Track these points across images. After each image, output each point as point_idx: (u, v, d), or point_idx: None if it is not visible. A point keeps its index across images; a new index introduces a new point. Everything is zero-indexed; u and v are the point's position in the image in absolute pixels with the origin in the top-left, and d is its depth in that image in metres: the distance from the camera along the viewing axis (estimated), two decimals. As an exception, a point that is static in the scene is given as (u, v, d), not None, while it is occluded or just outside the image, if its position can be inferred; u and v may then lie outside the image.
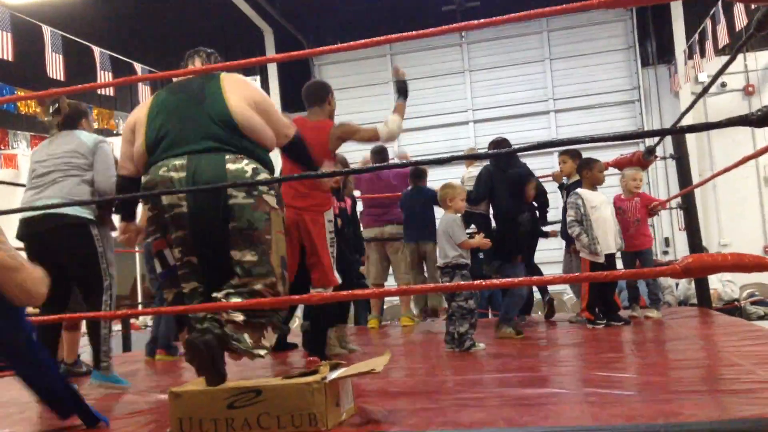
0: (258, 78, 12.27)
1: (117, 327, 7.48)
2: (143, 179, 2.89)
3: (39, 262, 3.60)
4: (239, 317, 2.61)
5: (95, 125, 9.47)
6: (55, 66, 7.54)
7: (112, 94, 10.10)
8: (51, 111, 3.89)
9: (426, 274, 6.19)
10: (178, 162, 2.78)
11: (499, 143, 5.55)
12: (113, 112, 10.08)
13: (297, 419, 2.15)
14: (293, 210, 3.88)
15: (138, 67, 9.15)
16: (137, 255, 12.52)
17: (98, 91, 10.29)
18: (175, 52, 13.79)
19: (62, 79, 7.59)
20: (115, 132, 10.29)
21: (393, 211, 6.37)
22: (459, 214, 4.37)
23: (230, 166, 2.76)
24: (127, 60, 9.03)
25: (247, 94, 2.94)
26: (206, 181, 2.73)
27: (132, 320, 8.41)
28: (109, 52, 8.53)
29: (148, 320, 10.39)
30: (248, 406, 2.18)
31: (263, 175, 2.82)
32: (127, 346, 6.92)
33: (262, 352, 2.65)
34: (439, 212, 4.76)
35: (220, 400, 2.20)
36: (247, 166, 2.79)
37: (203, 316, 2.65)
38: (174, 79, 3.16)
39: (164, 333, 5.25)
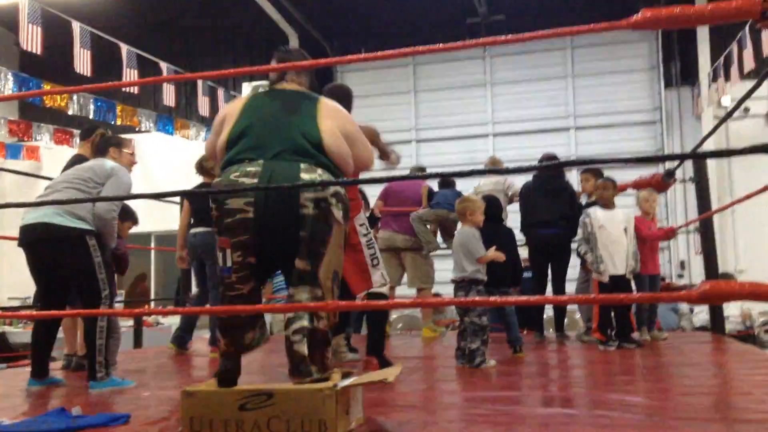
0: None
1: (129, 323, 7.56)
2: (216, 179, 2.93)
3: (38, 271, 3.69)
4: (304, 350, 2.69)
5: (118, 121, 9.59)
6: (82, 61, 7.63)
7: (136, 91, 10.21)
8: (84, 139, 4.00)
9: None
10: (252, 168, 2.79)
11: (550, 158, 5.72)
12: (137, 109, 10.18)
13: (307, 424, 2.16)
14: None
15: (163, 66, 9.24)
16: (152, 252, 12.63)
17: (123, 89, 10.43)
18: (201, 53, 13.89)
19: (89, 74, 7.68)
20: (137, 129, 10.39)
21: (405, 224, 6.42)
22: (476, 228, 4.36)
23: (304, 175, 2.78)
24: (153, 59, 9.12)
25: (340, 123, 2.99)
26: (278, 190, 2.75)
27: (144, 318, 8.47)
28: (136, 50, 8.62)
29: (160, 318, 10.48)
30: (259, 408, 2.20)
31: (334, 188, 2.84)
32: (138, 343, 6.97)
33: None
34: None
35: (232, 401, 2.22)
36: (320, 177, 2.81)
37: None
38: (277, 85, 3.18)
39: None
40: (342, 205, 2.88)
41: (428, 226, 6.42)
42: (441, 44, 2.74)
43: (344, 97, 4.24)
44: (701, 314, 8.86)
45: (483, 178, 6.74)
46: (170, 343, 5.72)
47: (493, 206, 4.78)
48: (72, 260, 3.59)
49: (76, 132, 10.67)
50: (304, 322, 2.71)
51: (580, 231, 5.22)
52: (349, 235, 3.87)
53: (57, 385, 3.78)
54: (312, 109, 2.97)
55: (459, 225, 4.55)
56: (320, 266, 2.78)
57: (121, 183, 3.75)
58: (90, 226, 3.62)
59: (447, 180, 6.62)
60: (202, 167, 5.41)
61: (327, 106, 3.03)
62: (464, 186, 6.72)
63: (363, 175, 3.60)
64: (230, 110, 3.04)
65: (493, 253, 4.27)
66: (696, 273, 10.40)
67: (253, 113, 2.96)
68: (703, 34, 10.96)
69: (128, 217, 4.71)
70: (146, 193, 3.28)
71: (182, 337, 5.62)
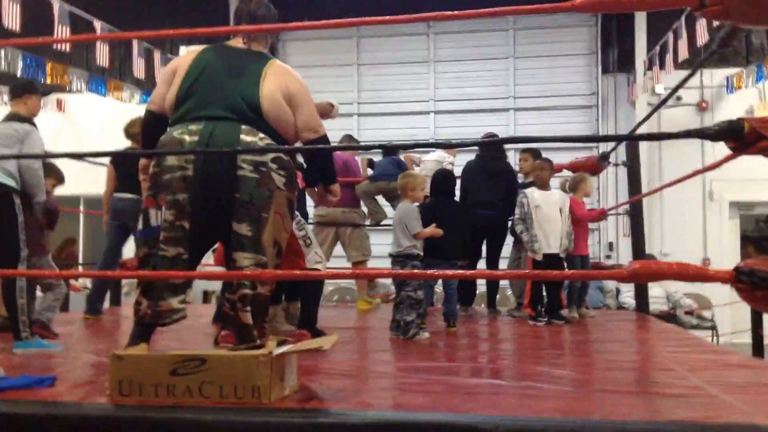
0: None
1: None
2: (160, 138, 2.92)
3: None
4: (249, 318, 2.77)
5: (48, 80, 9.20)
6: (11, 15, 7.27)
7: (68, 49, 9.80)
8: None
9: None
10: (194, 127, 2.81)
11: (490, 137, 5.78)
12: (68, 68, 9.77)
13: (240, 390, 2.14)
14: None
15: (97, 24, 8.88)
16: (81, 216, 12.25)
17: (53, 46, 9.99)
18: (139, 14, 13.39)
19: (18, 30, 7.34)
20: (68, 88, 10.00)
21: (343, 197, 6.39)
22: (416, 204, 4.39)
23: (244, 137, 2.80)
24: (86, 16, 8.76)
25: (283, 84, 2.95)
26: (218, 148, 2.76)
27: (71, 281, 8.23)
28: (69, 6, 8.26)
29: (88, 282, 10.20)
30: (192, 374, 2.16)
31: (274, 154, 2.84)
32: (64, 307, 6.77)
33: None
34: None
35: (164, 366, 2.18)
36: (261, 141, 2.83)
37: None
38: (230, 41, 3.14)
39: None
40: (284, 172, 2.87)
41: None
42: (384, 17, 2.73)
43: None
44: (627, 294, 9.18)
45: (425, 156, 6.77)
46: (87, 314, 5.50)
47: (444, 181, 4.83)
48: None
49: (3, 88, 10.22)
50: (246, 289, 2.73)
51: (517, 210, 5.32)
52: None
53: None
54: (258, 71, 2.94)
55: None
56: (263, 232, 2.78)
57: (37, 140, 3.68)
58: (17, 185, 3.51)
59: (389, 150, 6.63)
60: (128, 133, 5.33)
61: (274, 68, 2.99)
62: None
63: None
64: (181, 63, 3.01)
65: (430, 229, 4.30)
66: (623, 255, 10.73)
67: (201, 72, 2.93)
68: (640, 23, 11.22)
69: (52, 173, 4.56)
70: (75, 152, 3.19)
71: (94, 303, 5.48)
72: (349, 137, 6.91)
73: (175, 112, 2.92)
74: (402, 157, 6.68)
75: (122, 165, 5.08)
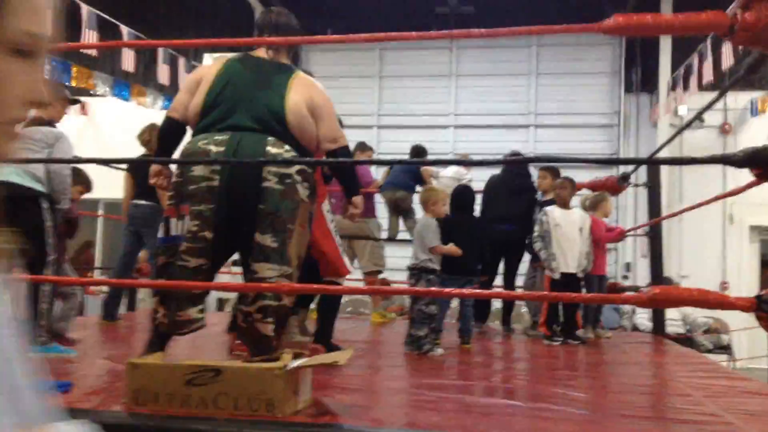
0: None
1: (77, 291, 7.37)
2: (183, 147, 2.95)
3: None
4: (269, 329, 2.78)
5: (73, 82, 9.31)
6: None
7: (94, 54, 9.92)
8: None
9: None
10: (220, 137, 2.82)
11: (514, 155, 5.85)
12: (93, 72, 9.89)
13: (254, 403, 2.14)
14: None
15: (124, 30, 8.99)
16: (99, 220, 12.34)
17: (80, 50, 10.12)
18: (164, 20, 13.54)
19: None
20: (92, 92, 10.12)
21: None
22: (435, 219, 4.38)
23: (270, 149, 2.81)
24: (113, 21, 8.87)
25: (308, 96, 2.97)
26: (245, 159, 2.78)
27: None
28: (97, 11, 8.37)
29: (104, 286, 10.26)
30: (206, 384, 2.17)
31: (299, 166, 2.86)
32: (80, 311, 6.81)
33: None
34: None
35: (179, 375, 2.19)
36: (286, 153, 2.84)
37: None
38: (254, 52, 3.16)
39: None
40: (308, 184, 2.90)
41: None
42: (410, 32, 2.73)
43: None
44: (643, 315, 9.09)
45: (443, 170, 6.79)
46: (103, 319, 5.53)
47: (464, 196, 4.83)
48: (23, 221, 3.49)
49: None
50: (270, 300, 2.73)
51: (536, 228, 5.30)
52: (318, 219, 3.84)
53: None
54: (284, 83, 2.96)
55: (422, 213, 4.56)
56: (289, 243, 2.79)
57: (68, 146, 3.70)
58: (44, 189, 3.55)
59: (421, 148, 6.85)
60: (141, 140, 5.42)
61: (299, 80, 3.01)
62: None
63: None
64: (206, 74, 3.02)
65: (447, 247, 4.29)
66: (641, 275, 10.65)
67: (227, 82, 2.95)
68: (665, 44, 11.17)
69: (79, 180, 4.60)
70: (99, 158, 3.23)
71: (110, 308, 5.51)
72: (362, 144, 6.90)
73: (200, 122, 2.93)
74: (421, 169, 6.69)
75: (139, 172, 5.12)
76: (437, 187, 4.59)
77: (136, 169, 5.26)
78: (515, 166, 6.03)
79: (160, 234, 2.92)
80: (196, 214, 2.77)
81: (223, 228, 2.79)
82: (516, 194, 5.89)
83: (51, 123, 3.83)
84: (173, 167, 3.09)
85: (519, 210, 5.82)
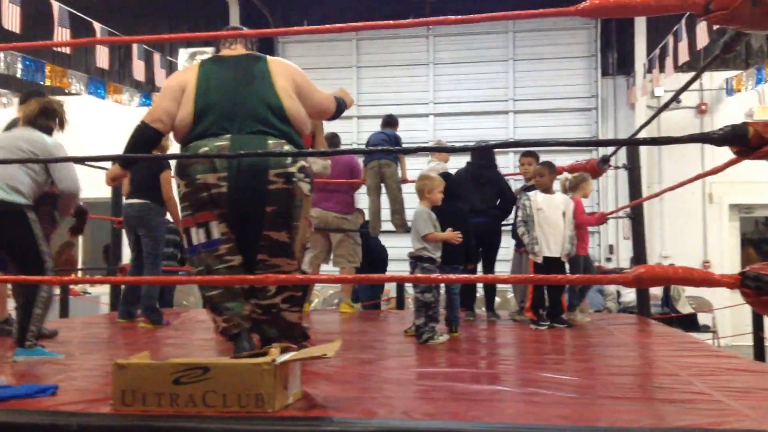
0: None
1: (56, 292, 7.31)
2: (181, 154, 3.04)
3: None
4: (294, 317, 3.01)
5: (47, 82, 9.17)
6: (11, 17, 7.26)
7: (68, 51, 9.79)
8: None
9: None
10: (220, 143, 2.86)
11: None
12: (67, 70, 9.76)
13: (244, 399, 2.13)
14: None
15: (97, 26, 8.87)
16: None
17: (53, 48, 9.97)
18: (138, 16, 13.35)
19: (18, 31, 7.32)
20: (67, 91, 9.99)
21: (338, 202, 6.38)
22: (429, 207, 4.35)
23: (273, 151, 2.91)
24: (86, 18, 8.75)
25: (290, 77, 3.03)
26: (248, 165, 2.85)
27: (71, 286, 8.20)
28: (68, 8, 8.25)
29: (87, 287, 10.18)
30: (195, 382, 2.15)
31: (300, 163, 2.96)
32: (64, 313, 6.76)
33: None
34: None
35: (166, 374, 2.16)
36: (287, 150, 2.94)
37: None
38: (222, 52, 3.21)
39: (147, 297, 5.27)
40: (308, 179, 3.05)
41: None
42: (386, 21, 2.72)
43: None
44: (630, 293, 9.17)
45: (425, 166, 6.76)
46: (119, 318, 5.52)
47: (449, 183, 4.80)
48: (12, 235, 3.51)
49: (2, 90, 10.20)
50: (294, 291, 2.91)
51: (519, 212, 5.33)
52: None
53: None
54: (265, 71, 3.00)
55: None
56: (296, 239, 2.93)
57: (63, 152, 3.78)
58: (29, 201, 3.54)
59: (393, 119, 6.97)
60: None
61: (275, 64, 3.07)
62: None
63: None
64: (186, 80, 3.03)
65: (444, 234, 4.26)
66: (624, 257, 10.73)
67: (214, 86, 2.97)
68: (640, 26, 11.22)
69: None
70: (85, 156, 3.25)
71: (128, 310, 5.48)
72: (333, 135, 6.80)
73: (194, 129, 2.96)
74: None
75: (133, 170, 5.05)
76: (433, 176, 4.57)
77: (130, 167, 5.20)
78: (480, 158, 6.03)
79: (193, 242, 2.99)
80: (220, 216, 2.91)
81: (236, 228, 2.94)
82: (484, 185, 5.92)
83: (49, 129, 3.83)
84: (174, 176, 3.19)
85: (489, 201, 5.89)
